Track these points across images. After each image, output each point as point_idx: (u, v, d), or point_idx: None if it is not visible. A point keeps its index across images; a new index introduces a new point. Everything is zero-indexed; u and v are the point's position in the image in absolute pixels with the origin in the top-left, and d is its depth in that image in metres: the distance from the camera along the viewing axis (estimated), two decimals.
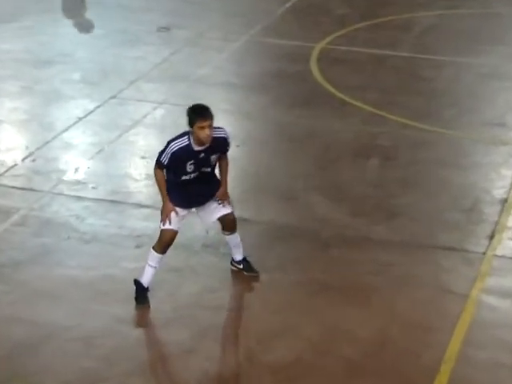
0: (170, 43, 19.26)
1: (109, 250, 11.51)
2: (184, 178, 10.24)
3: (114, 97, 16.42)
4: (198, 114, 10.12)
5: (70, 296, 10.67)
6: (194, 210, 10.61)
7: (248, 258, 11.15)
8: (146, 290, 10.63)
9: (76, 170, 13.78)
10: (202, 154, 10.16)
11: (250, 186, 13.69)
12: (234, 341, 10.19)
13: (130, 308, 10.41)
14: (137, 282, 10.56)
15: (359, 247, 11.90)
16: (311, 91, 17.03)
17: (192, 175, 10.26)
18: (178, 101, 16.20)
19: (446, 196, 13.24)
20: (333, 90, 16.86)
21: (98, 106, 16.05)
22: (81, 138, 15.05)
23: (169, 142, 10.22)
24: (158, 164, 10.28)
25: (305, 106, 16.37)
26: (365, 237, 12.10)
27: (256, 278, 11.08)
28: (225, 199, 10.62)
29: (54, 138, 14.92)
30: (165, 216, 10.39)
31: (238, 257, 11.22)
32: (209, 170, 10.49)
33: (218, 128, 10.29)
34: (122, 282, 10.74)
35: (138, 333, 10.30)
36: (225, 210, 10.81)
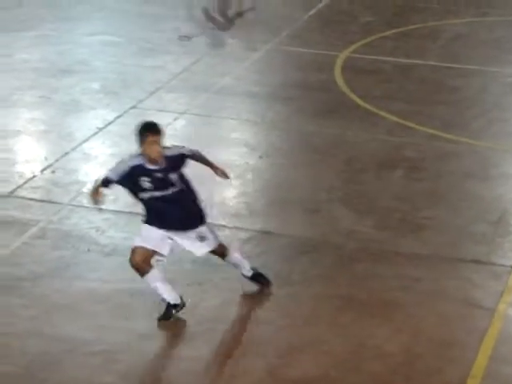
0: (191, 52, 19.32)
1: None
2: (145, 195, 10.28)
3: (133, 107, 16.54)
4: (147, 129, 10.23)
5: (90, 310, 10.74)
6: (172, 237, 10.52)
7: (258, 269, 11.11)
8: (178, 305, 10.70)
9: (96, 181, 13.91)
10: (159, 174, 10.20)
11: (273, 197, 13.79)
12: (257, 355, 10.11)
13: (150, 322, 10.46)
14: (167, 305, 10.64)
15: (385, 261, 11.92)
16: (335, 101, 17.12)
17: (155, 193, 10.27)
18: (199, 111, 16.40)
19: (473, 208, 13.29)
20: (358, 99, 16.96)
21: (118, 117, 16.17)
22: (100, 149, 15.15)
23: (120, 162, 10.42)
24: (103, 181, 10.41)
25: (329, 115, 16.46)
26: (391, 250, 12.15)
27: (272, 288, 11.11)
28: (223, 171, 10.79)
29: (74, 149, 15.01)
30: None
31: (247, 273, 11.17)
32: (176, 189, 10.40)
33: (174, 146, 10.47)
34: (142, 296, 10.79)
35: (159, 348, 10.34)
36: (205, 249, 10.72)
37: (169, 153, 10.25)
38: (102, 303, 10.90)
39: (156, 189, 10.27)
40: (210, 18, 21.59)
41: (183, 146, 10.64)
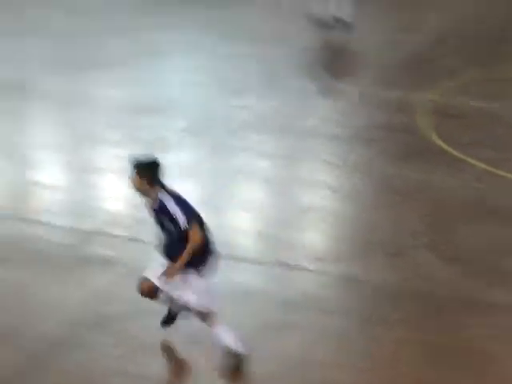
0: (277, 92, 19.48)
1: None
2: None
3: (218, 146, 16.68)
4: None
5: (177, 349, 10.90)
6: None
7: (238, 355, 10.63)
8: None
9: None
10: (153, 214, 10.27)
11: (355, 241, 13.87)
12: None
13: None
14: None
15: (474, 310, 11.82)
16: (419, 145, 17.08)
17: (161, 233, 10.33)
18: (282, 152, 16.50)
19: None
20: (442, 144, 16.88)
21: (203, 156, 16.34)
22: (185, 188, 15.28)
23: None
24: None
25: (412, 159, 16.42)
26: (480, 299, 12.03)
27: (351, 331, 11.21)
28: (167, 275, 10.19)
29: None
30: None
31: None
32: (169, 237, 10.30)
33: (171, 193, 10.26)
34: None
35: None
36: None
37: (160, 196, 10.17)
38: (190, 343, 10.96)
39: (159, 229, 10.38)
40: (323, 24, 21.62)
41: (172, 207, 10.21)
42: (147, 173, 10.23)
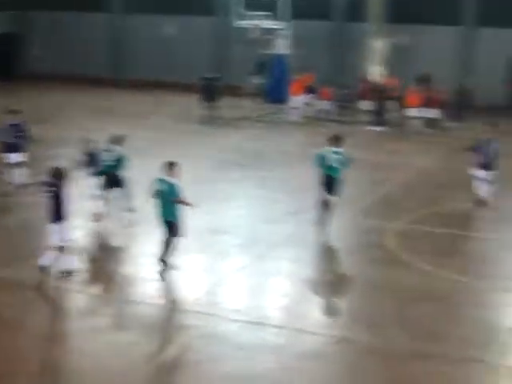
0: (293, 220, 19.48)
1: None
2: None
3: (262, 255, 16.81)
4: None
5: None
6: None
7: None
8: None
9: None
10: None
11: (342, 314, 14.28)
12: None
13: None
14: None
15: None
16: (387, 255, 16.99)
17: None
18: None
19: None
20: (403, 254, 16.98)
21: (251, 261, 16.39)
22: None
23: None
24: None
25: (382, 265, 16.46)
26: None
27: None
28: None
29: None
30: None
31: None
32: None
33: None
34: None
35: None
36: None
37: None
38: None
39: None
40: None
41: None
42: None
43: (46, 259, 14.98)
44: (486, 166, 21.07)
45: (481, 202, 21.05)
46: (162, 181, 15.49)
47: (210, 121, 33.86)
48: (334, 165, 18.09)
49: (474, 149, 21.27)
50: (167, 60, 43.99)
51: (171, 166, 15.60)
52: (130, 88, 42.92)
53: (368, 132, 32.71)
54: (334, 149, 18.21)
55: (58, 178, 14.96)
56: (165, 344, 12.75)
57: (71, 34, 46.22)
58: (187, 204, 15.39)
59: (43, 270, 14.89)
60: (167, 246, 15.51)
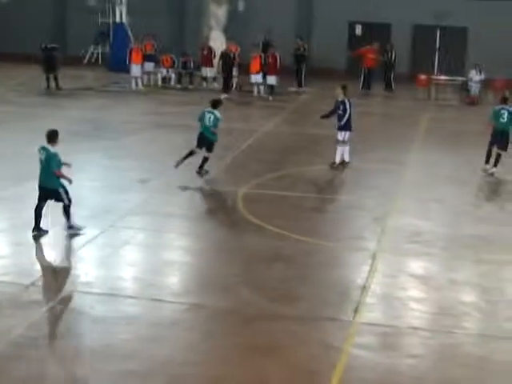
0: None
1: None
2: None
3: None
4: None
5: None
6: None
7: None
8: None
9: None
10: None
11: (198, 279, 14.19)
12: None
13: None
14: None
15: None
16: (238, 219, 17.22)
17: None
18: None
19: None
20: (251, 217, 17.11)
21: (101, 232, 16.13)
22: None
23: None
24: None
25: (233, 228, 16.78)
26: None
27: None
28: None
29: None
30: None
31: None
32: None
33: None
34: None
35: None
36: None
37: None
38: None
39: None
40: None
41: None
42: None
43: None
44: (342, 127, 21.22)
45: (337, 164, 21.26)
46: (43, 149, 15.62)
47: (52, 92, 32.91)
48: (208, 124, 20.01)
49: (332, 111, 21.50)
50: (3, 30, 42.30)
51: (53, 133, 15.72)
52: None
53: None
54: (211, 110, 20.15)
55: None
56: (16, 321, 12.20)
57: None
58: (65, 177, 15.54)
59: None
60: (66, 213, 15.70)
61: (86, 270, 14.43)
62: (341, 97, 21.51)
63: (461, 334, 12.22)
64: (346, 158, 21.68)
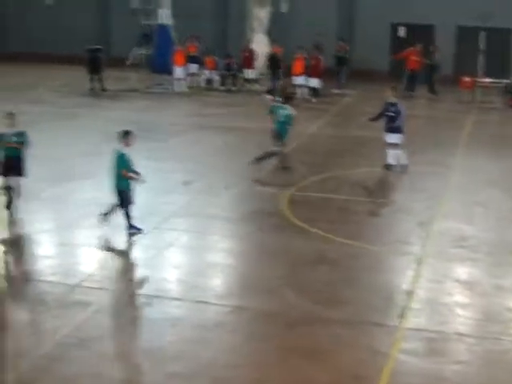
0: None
1: None
2: None
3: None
4: None
5: None
6: None
7: None
8: None
9: None
10: None
11: (244, 283, 14.14)
12: None
13: None
14: None
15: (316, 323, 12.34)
16: (282, 222, 17.05)
17: None
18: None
19: None
20: (296, 220, 16.99)
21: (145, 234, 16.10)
22: None
23: None
24: None
25: (277, 231, 16.51)
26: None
27: None
28: None
29: None
30: None
31: None
32: None
33: None
34: None
35: None
36: None
37: None
38: None
39: None
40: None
41: None
42: None
43: None
44: (394, 130, 20.94)
45: (388, 167, 21.07)
46: (115, 150, 15.76)
47: (97, 93, 33.11)
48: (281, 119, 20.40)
49: (381, 114, 21.25)
50: (50, 32, 42.69)
51: (125, 134, 15.78)
52: (13, 62, 41.48)
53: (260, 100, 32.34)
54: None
55: None
56: (62, 321, 12.28)
57: None
58: (134, 178, 15.69)
59: None
60: (126, 215, 15.79)
61: (131, 271, 14.47)
62: (391, 98, 21.26)
63: (507, 341, 12.04)
64: (404, 161, 21.33)
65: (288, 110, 20.48)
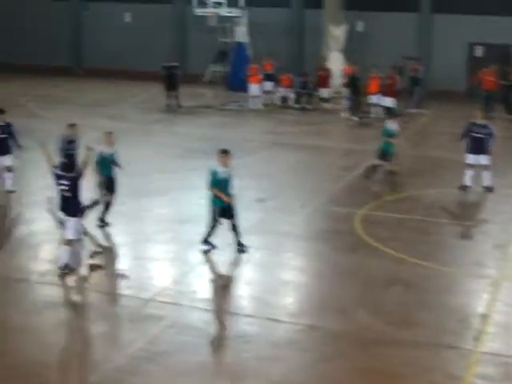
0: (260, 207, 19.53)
1: None
2: None
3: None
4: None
5: None
6: None
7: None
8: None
9: None
10: None
11: (317, 303, 14.07)
12: None
13: None
14: None
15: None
16: (355, 241, 16.95)
17: None
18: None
19: None
20: (368, 239, 16.91)
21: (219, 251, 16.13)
22: None
23: None
24: None
25: (351, 250, 16.45)
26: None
27: None
28: None
29: None
30: None
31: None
32: None
33: None
34: None
35: None
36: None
37: None
38: None
39: None
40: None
41: None
42: None
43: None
44: (477, 151, 20.64)
45: (464, 189, 20.75)
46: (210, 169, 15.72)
47: (173, 110, 33.42)
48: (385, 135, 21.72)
49: (464, 134, 20.97)
50: (128, 48, 43.31)
51: (222, 153, 15.79)
52: (91, 77, 42.19)
53: (337, 119, 32.25)
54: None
55: (73, 171, 14.47)
56: (136, 335, 12.37)
57: (29, 23, 45.20)
58: (222, 198, 15.65)
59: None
60: (234, 230, 15.91)
61: (204, 287, 14.52)
62: (479, 120, 21.00)
63: None
64: (489, 182, 20.91)
65: (390, 126, 21.72)
